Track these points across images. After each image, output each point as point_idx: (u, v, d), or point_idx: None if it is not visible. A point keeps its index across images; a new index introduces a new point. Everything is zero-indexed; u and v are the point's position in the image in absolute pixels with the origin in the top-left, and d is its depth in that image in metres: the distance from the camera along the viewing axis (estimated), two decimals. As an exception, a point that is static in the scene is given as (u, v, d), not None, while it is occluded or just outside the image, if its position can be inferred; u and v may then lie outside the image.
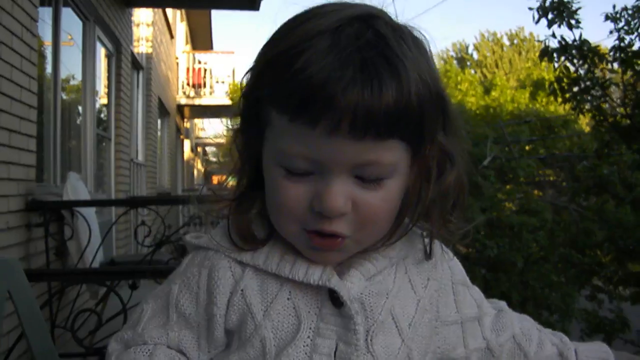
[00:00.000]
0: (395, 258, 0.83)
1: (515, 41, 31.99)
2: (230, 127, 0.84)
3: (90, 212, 4.28)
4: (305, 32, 0.70)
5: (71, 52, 5.60)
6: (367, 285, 0.79)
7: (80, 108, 5.91)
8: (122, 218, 5.61)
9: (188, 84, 15.22)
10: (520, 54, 31.17)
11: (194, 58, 15.72)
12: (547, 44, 4.97)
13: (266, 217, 0.81)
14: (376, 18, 0.72)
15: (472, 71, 27.87)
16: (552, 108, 13.48)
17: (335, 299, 0.78)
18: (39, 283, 3.27)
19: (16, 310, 2.01)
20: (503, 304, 0.94)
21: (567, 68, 5.09)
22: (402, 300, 0.82)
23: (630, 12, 4.80)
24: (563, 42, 4.86)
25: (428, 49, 0.76)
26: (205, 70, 15.35)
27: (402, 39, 0.71)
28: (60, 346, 3.46)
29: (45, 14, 4.55)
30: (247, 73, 0.78)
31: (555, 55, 4.93)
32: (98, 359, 2.60)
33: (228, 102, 15.44)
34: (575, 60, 4.97)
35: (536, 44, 30.13)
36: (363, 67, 0.66)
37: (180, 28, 15.40)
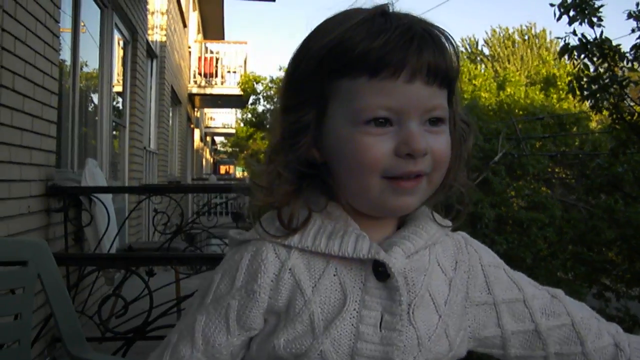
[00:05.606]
0: (429, 241, 0.88)
1: (526, 37, 31.77)
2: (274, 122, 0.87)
3: (107, 199, 4.31)
4: (355, 20, 0.80)
5: (88, 40, 5.61)
6: (408, 262, 0.85)
7: (96, 95, 5.93)
8: (134, 206, 5.64)
9: (200, 73, 15.21)
10: (532, 49, 30.96)
11: (206, 47, 15.70)
12: (567, 41, 4.96)
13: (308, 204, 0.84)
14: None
15: (483, 66, 27.71)
16: (565, 105, 13.41)
17: (379, 274, 0.82)
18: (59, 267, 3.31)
19: (45, 291, 2.04)
20: (560, 291, 0.96)
21: (586, 66, 5.06)
22: (436, 280, 0.88)
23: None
24: (584, 40, 4.84)
25: None
26: (217, 59, 15.33)
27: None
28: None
29: (65, 1, 4.57)
30: (295, 69, 0.85)
31: (575, 52, 4.91)
32: (123, 344, 2.62)
33: (239, 92, 15.45)
34: (595, 59, 4.95)
35: (548, 40, 29.93)
36: (424, 33, 0.80)
37: (193, 17, 15.38)
